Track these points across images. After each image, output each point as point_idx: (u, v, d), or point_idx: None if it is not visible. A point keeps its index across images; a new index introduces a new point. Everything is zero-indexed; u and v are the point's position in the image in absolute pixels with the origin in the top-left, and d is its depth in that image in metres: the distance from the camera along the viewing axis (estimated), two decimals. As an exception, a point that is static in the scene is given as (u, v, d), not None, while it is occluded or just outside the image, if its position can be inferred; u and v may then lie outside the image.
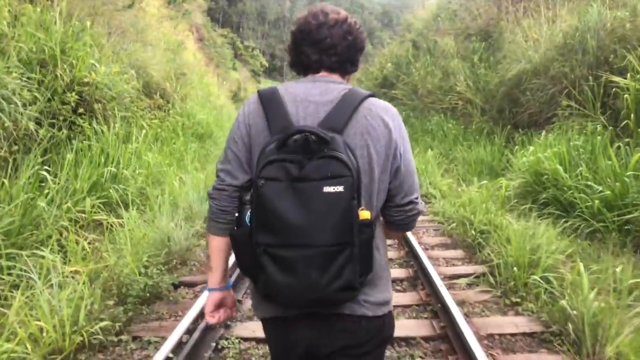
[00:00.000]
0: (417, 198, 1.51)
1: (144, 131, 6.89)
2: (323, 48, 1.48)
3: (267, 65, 77.17)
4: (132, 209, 4.71)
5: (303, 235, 1.27)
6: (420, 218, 6.51)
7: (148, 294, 3.77)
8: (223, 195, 1.47)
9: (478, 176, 7.51)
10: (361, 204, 1.33)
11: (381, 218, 1.56)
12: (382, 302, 1.49)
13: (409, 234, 5.12)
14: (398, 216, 1.51)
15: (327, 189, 1.27)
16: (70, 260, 3.69)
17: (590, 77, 6.72)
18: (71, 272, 3.49)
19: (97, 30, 9.05)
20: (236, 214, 1.44)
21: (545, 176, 5.32)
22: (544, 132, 6.31)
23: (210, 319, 1.60)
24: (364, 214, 1.31)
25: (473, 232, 5.00)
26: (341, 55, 1.50)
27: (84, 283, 3.24)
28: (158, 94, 10.21)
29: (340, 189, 1.27)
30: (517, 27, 10.66)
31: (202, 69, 20.72)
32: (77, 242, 3.85)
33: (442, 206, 6.20)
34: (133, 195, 5.22)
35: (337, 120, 1.37)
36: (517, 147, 7.08)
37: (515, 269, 3.86)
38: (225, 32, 58.32)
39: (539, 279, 3.64)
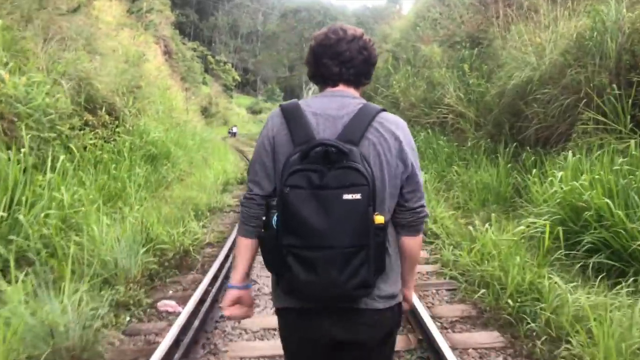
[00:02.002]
0: (424, 203, 1.67)
1: (67, 157, 5.45)
2: (342, 60, 1.65)
3: (239, 79, 75.85)
4: (20, 277, 3.27)
5: (324, 238, 1.44)
6: (426, 268, 5.13)
7: None
8: (252, 204, 1.64)
9: (482, 204, 6.29)
10: (376, 209, 1.50)
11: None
12: (391, 295, 1.64)
13: (416, 300, 3.82)
14: (410, 218, 1.65)
15: (346, 196, 1.44)
16: None
17: (614, 85, 5.60)
18: None
19: (25, 35, 7.62)
20: (263, 218, 1.56)
21: (588, 212, 4.07)
22: (569, 153, 5.08)
23: (226, 312, 1.71)
24: (379, 219, 1.49)
25: (509, 301, 3.67)
26: (358, 68, 1.67)
27: None
28: (104, 110, 8.77)
29: (357, 196, 1.44)
30: (509, 33, 9.64)
31: (166, 82, 19.25)
32: None
33: (452, 253, 4.91)
34: (33, 250, 3.79)
35: (353, 133, 1.54)
36: (531, 169, 5.87)
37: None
38: (195, 45, 56.91)
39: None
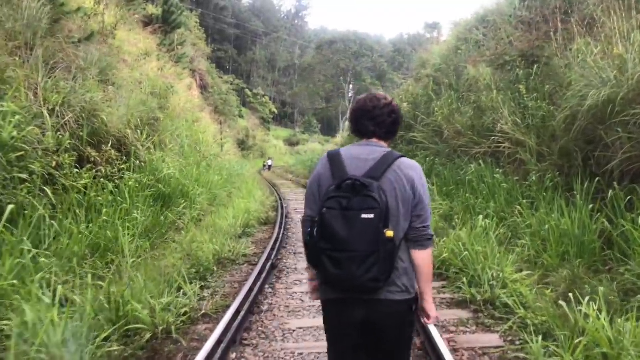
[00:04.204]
0: (428, 225, 2.20)
1: (43, 202, 4.39)
2: (377, 123, 2.29)
3: (276, 112, 75.92)
4: None
5: (347, 244, 2.03)
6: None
7: None
8: (308, 223, 2.21)
9: (561, 258, 4.88)
10: (387, 226, 2.05)
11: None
12: (406, 290, 2.17)
13: None
14: (414, 234, 2.18)
15: (364, 215, 2.02)
16: None
17: None
18: None
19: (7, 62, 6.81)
20: (308, 230, 2.17)
21: None
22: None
23: (312, 297, 2.44)
24: (389, 233, 2.03)
25: None
26: (387, 127, 2.32)
27: None
28: (110, 144, 7.84)
29: (371, 216, 2.02)
30: (570, 49, 8.29)
31: (196, 114, 18.54)
32: None
33: (543, 346, 3.40)
34: None
35: (376, 172, 2.14)
36: (624, 212, 4.44)
37: None
38: (232, 78, 57.24)
39: None
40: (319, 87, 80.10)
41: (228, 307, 4.62)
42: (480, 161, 8.44)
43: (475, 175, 8.17)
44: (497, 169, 7.76)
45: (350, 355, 2.25)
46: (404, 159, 2.20)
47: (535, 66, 8.62)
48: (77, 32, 10.14)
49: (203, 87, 37.72)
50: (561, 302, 3.64)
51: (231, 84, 51.68)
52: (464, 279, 5.07)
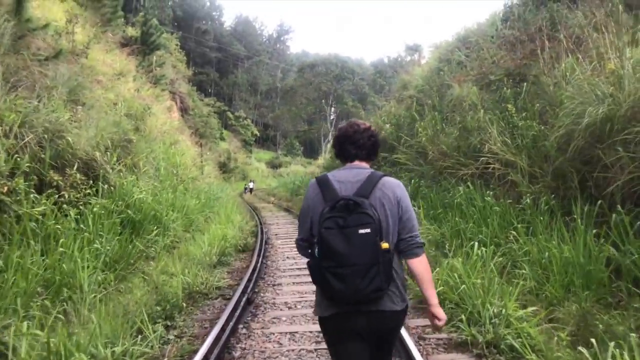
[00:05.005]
0: (416, 234, 2.39)
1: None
2: (358, 146, 2.53)
3: (258, 134, 75.47)
4: None
5: (349, 258, 2.18)
6: None
7: None
8: (301, 243, 2.48)
9: (565, 289, 4.44)
10: (382, 239, 2.25)
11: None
12: (402, 301, 2.36)
13: None
14: (403, 245, 2.37)
15: (361, 231, 2.19)
16: None
17: None
18: None
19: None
20: (309, 251, 2.39)
21: None
22: None
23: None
24: (384, 245, 2.22)
25: None
26: (368, 150, 2.56)
27: None
28: (75, 167, 7.28)
29: (368, 230, 2.19)
30: (558, 67, 8.07)
31: (174, 137, 17.98)
32: None
33: None
34: None
35: (365, 190, 2.33)
36: (631, 239, 4.04)
37: None
38: (212, 101, 56.82)
39: None
40: (300, 110, 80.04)
41: (195, 352, 4.02)
42: (469, 183, 8.06)
43: (464, 198, 7.77)
44: (487, 191, 7.38)
45: None
46: (387, 178, 2.45)
47: (525, 84, 8.34)
48: (47, 50, 9.65)
49: (183, 110, 37.15)
50: (581, 348, 3.17)
51: (212, 107, 51.22)
52: (462, 316, 4.50)
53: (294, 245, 2.72)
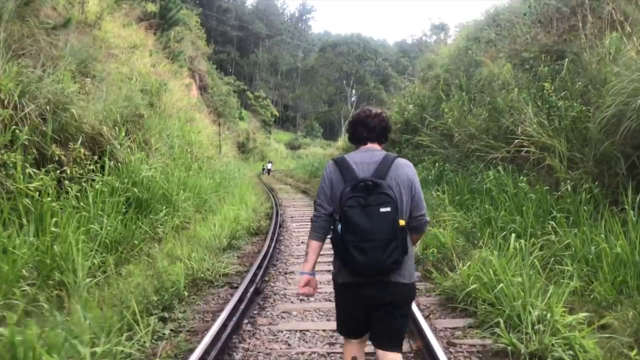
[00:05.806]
0: (425, 213, 2.65)
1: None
2: (369, 128, 2.71)
3: (277, 115, 74.93)
4: None
5: (370, 234, 2.40)
6: None
7: None
8: (320, 219, 2.64)
9: (617, 290, 3.88)
10: (400, 216, 2.47)
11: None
12: (412, 275, 2.58)
13: None
14: (414, 223, 2.61)
15: (382, 209, 2.40)
16: None
17: None
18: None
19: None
20: (332, 227, 2.58)
21: None
22: None
23: (301, 290, 2.72)
24: (402, 222, 2.46)
25: None
26: (378, 132, 2.73)
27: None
28: (80, 142, 6.87)
29: (388, 209, 2.41)
30: (601, 42, 7.38)
31: (190, 114, 17.53)
32: None
33: None
34: None
35: (381, 172, 2.52)
36: None
37: None
38: (232, 79, 56.30)
39: None
40: (321, 91, 79.08)
41: (191, 351, 3.54)
42: (499, 167, 7.45)
43: (494, 183, 7.17)
44: (521, 177, 6.77)
45: (352, 323, 2.69)
46: (400, 159, 2.64)
47: (566, 60, 7.63)
48: (57, 20, 9.21)
49: (202, 88, 36.76)
50: None
51: (232, 86, 50.75)
52: (499, 319, 3.85)
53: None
